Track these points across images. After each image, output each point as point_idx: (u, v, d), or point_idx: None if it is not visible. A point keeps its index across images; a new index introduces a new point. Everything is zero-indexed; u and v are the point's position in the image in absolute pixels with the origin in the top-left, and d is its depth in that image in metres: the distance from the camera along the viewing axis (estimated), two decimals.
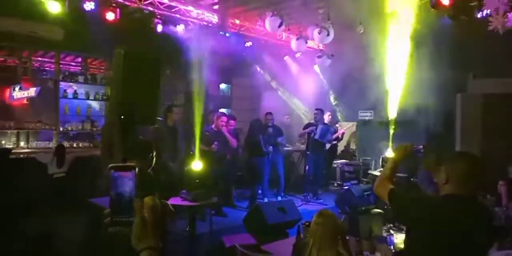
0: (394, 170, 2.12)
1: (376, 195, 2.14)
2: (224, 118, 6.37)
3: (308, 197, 7.07)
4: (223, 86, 9.45)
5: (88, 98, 7.45)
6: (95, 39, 5.85)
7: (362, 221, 4.28)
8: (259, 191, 6.86)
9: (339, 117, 9.55)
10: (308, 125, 7.40)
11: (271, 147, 6.73)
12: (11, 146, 6.43)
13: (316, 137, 7.03)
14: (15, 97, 6.64)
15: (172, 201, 4.52)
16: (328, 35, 6.85)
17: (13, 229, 4.42)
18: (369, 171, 7.50)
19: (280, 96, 9.89)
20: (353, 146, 9.25)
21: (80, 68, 8.06)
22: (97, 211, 3.61)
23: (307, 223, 2.55)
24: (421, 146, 6.28)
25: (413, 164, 5.71)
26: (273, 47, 8.47)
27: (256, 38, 7.82)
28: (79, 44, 6.58)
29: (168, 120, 6.15)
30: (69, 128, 7.18)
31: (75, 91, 7.32)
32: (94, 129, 7.38)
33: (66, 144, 6.79)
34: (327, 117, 7.72)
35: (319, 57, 8.45)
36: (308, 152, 7.16)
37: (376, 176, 6.46)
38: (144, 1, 6.17)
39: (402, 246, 2.36)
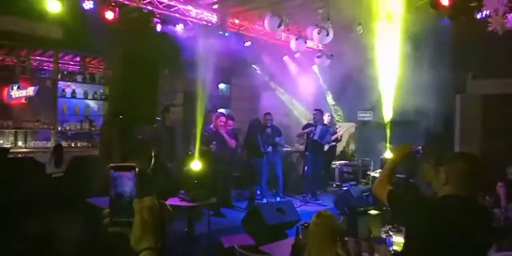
0: (393, 171, 2.11)
1: (375, 196, 2.14)
2: (223, 118, 6.36)
3: (307, 198, 7.06)
4: (222, 86, 9.44)
5: (86, 98, 7.43)
6: (94, 38, 5.83)
7: (361, 222, 4.27)
8: (258, 192, 6.84)
9: (338, 118, 9.54)
10: (307, 126, 7.39)
11: (270, 147, 6.72)
12: (9, 146, 6.41)
13: (315, 138, 7.02)
14: (13, 96, 6.62)
15: (170, 201, 4.51)
16: (327, 35, 6.85)
17: (11, 229, 4.40)
18: (368, 172, 7.50)
19: (279, 96, 9.88)
20: (352, 147, 9.25)
21: (78, 67, 8.04)
22: (95, 211, 3.60)
23: (306, 224, 2.54)
24: (420, 147, 6.28)
25: (412, 165, 5.71)
26: (273, 47, 8.47)
27: (256, 38, 7.81)
28: (78, 43, 6.56)
29: (165, 120, 6.14)
30: (67, 128, 7.16)
31: (74, 90, 7.30)
32: (93, 128, 7.36)
33: (64, 143, 6.77)
34: (326, 118, 7.71)
35: (318, 57, 8.45)
36: (307, 153, 7.15)
37: (375, 177, 6.47)
38: (143, 0, 6.16)
39: (401, 247, 2.35)
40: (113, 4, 5.66)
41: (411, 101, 6.41)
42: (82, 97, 7.37)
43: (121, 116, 5.18)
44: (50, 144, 6.71)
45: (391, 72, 6.54)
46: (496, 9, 4.83)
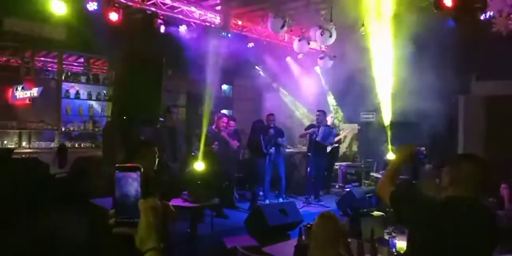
0: (396, 172, 2.11)
1: (378, 197, 2.14)
2: (225, 119, 6.41)
3: (310, 199, 7.04)
4: (224, 87, 9.45)
5: (90, 99, 7.46)
6: (98, 40, 5.86)
7: (363, 223, 4.27)
8: (261, 193, 6.84)
9: (339, 118, 9.51)
10: (310, 127, 7.38)
11: (272, 148, 6.72)
12: (13, 146, 6.44)
13: (318, 139, 7.01)
14: (17, 97, 6.65)
15: (174, 202, 4.52)
16: (330, 36, 6.84)
17: (15, 229, 4.42)
18: (371, 173, 7.48)
19: (282, 98, 9.88)
20: (355, 148, 9.23)
21: (82, 68, 8.07)
22: (99, 211, 3.61)
23: (308, 225, 2.54)
24: (423, 148, 6.27)
25: (416, 166, 5.69)
26: (275, 48, 8.47)
27: (259, 39, 7.82)
28: (82, 45, 6.59)
29: (167, 120, 6.15)
30: (71, 128, 7.19)
31: (77, 91, 7.33)
32: (96, 129, 7.39)
33: (68, 144, 6.80)
34: (329, 119, 7.70)
35: (321, 58, 8.44)
36: (309, 154, 7.15)
37: (378, 178, 6.46)
38: (146, 2, 6.18)
39: (404, 248, 2.34)
40: (116, 5, 5.68)
41: (414, 102, 6.39)
42: (85, 98, 7.40)
43: (124, 117, 5.21)
44: (54, 144, 6.74)
45: (394, 73, 6.53)
46: (500, 10, 4.81)
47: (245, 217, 4.95)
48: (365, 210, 4.95)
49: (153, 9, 6.25)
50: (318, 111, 7.38)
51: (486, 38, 5.56)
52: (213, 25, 7.07)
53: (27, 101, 6.68)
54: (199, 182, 5.11)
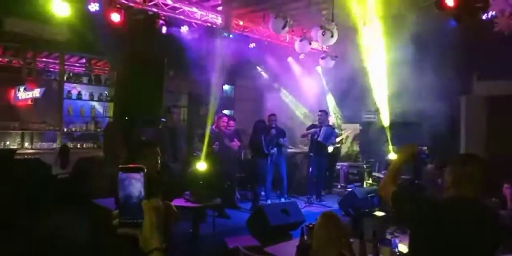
0: (398, 172, 2.11)
1: (380, 197, 2.14)
2: (225, 119, 6.44)
3: (312, 199, 7.04)
4: (226, 87, 9.46)
5: (92, 99, 7.48)
6: (100, 40, 5.87)
7: (366, 223, 4.26)
8: (262, 193, 6.85)
9: (340, 118, 9.50)
10: (311, 127, 7.38)
11: (274, 148, 6.72)
12: (15, 147, 6.46)
13: (320, 139, 7.01)
14: (19, 97, 6.67)
15: (176, 202, 4.52)
16: (332, 36, 6.84)
17: (17, 230, 4.43)
18: (373, 173, 7.47)
19: (283, 98, 9.88)
20: (356, 148, 9.23)
21: (84, 69, 8.08)
22: (101, 212, 3.62)
23: (310, 225, 2.54)
24: (425, 148, 6.25)
25: (418, 166, 5.69)
26: (277, 48, 8.47)
27: (260, 39, 7.82)
28: (84, 45, 6.60)
29: (167, 121, 6.16)
30: (73, 129, 7.21)
31: (79, 92, 7.35)
32: (98, 130, 7.41)
33: (70, 145, 6.82)
34: (331, 119, 7.70)
35: (322, 58, 8.44)
36: (311, 154, 7.14)
37: (380, 178, 6.45)
38: (148, 2, 6.19)
39: (406, 248, 2.34)
40: (118, 6, 5.70)
41: (416, 102, 6.39)
42: (87, 98, 7.42)
43: (126, 117, 5.22)
44: (56, 145, 6.76)
45: (395, 73, 6.52)
46: (502, 10, 4.80)
47: (247, 217, 4.94)
48: (367, 210, 4.95)
49: (154, 10, 6.26)
50: (320, 111, 7.38)
51: (488, 38, 5.55)
52: (214, 26, 7.08)
53: (29, 102, 6.70)
54: (201, 182, 5.12)
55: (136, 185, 0.94)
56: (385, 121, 7.33)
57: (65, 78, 7.17)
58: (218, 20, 7.15)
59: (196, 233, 4.85)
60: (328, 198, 7.33)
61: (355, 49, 7.13)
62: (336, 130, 7.62)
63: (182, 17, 6.66)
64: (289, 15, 6.72)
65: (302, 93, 9.49)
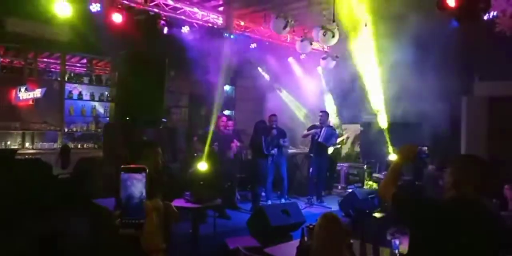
0: (398, 172, 2.10)
1: (380, 198, 2.13)
2: (224, 119, 6.47)
3: (312, 199, 7.03)
4: (227, 87, 9.46)
5: (93, 99, 7.50)
6: (101, 41, 5.88)
7: (366, 224, 4.26)
8: (263, 193, 6.84)
9: (338, 119, 9.49)
10: (312, 127, 7.37)
11: (275, 149, 6.71)
12: (16, 147, 6.47)
13: (320, 140, 6.99)
14: (21, 98, 6.68)
15: (176, 203, 4.52)
16: (333, 36, 6.84)
17: (19, 230, 4.44)
18: (373, 174, 7.47)
19: (284, 98, 9.87)
20: (357, 149, 9.22)
21: (85, 69, 8.10)
22: (102, 212, 3.62)
23: (311, 226, 2.54)
24: (425, 148, 6.24)
25: (418, 166, 5.68)
26: (278, 48, 8.47)
27: (261, 39, 7.83)
28: (85, 45, 6.62)
29: (167, 121, 6.17)
30: (74, 129, 7.22)
31: (80, 92, 7.36)
32: (99, 130, 7.41)
33: (71, 145, 6.83)
34: (332, 120, 7.69)
35: (323, 58, 8.44)
36: (311, 155, 7.13)
37: (380, 179, 6.45)
38: (149, 3, 6.20)
39: (406, 249, 2.34)
40: (119, 6, 5.70)
41: (417, 103, 6.38)
42: (88, 98, 7.43)
43: (127, 118, 5.21)
44: (57, 145, 6.77)
45: (396, 74, 6.52)
46: (504, 10, 4.80)
47: (247, 218, 4.95)
48: (367, 211, 4.96)
49: (156, 10, 6.27)
50: (321, 111, 7.37)
51: (490, 38, 5.54)
52: (215, 26, 7.08)
53: (30, 102, 6.72)
54: (201, 182, 5.12)
55: (137, 185, 0.94)
56: (385, 122, 7.32)
57: (66, 78, 7.18)
58: (219, 20, 7.16)
59: (196, 233, 4.84)
60: (328, 199, 7.32)
61: (356, 50, 7.13)
62: (337, 131, 7.60)
63: (183, 17, 6.66)
64: (290, 15, 6.72)
65: (303, 93, 9.48)
